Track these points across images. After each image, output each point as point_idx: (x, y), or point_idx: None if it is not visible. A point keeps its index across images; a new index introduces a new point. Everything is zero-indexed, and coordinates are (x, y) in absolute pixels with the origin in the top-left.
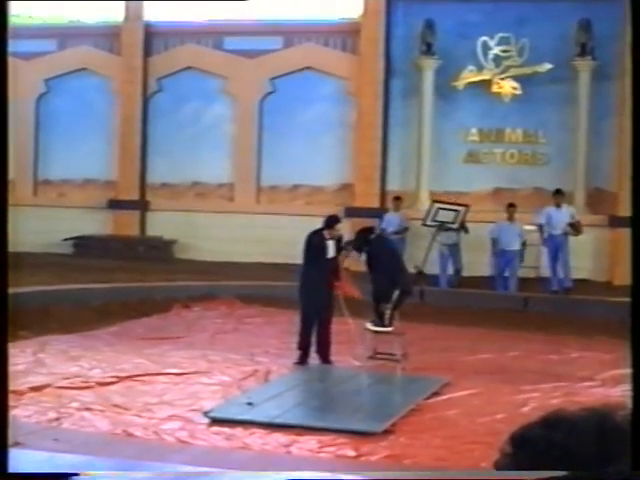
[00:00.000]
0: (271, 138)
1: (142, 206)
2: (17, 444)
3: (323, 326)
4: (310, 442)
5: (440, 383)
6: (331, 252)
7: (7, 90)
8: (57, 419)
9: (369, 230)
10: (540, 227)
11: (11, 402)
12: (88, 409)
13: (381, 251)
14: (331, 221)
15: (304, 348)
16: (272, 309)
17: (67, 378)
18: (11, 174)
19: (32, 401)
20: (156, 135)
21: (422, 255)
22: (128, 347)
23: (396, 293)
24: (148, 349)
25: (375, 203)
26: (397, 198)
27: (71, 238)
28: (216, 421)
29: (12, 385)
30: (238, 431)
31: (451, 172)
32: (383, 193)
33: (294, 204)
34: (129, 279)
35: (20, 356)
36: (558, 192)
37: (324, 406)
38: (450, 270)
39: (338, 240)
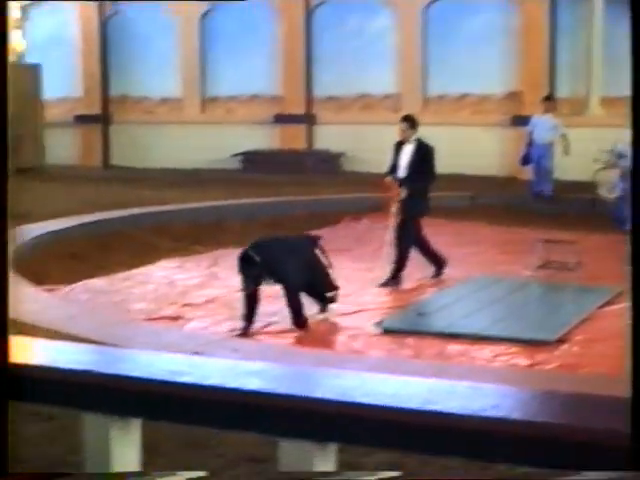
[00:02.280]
0: (436, 47)
1: (309, 120)
2: (197, 353)
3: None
4: (483, 351)
5: (614, 292)
6: (403, 160)
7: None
8: (232, 330)
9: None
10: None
11: (188, 314)
12: (261, 321)
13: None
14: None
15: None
16: (439, 220)
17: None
18: (179, 92)
19: (209, 313)
20: (321, 48)
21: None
22: None
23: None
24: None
25: None
26: (548, 98)
27: (239, 154)
28: (388, 332)
29: (187, 298)
30: (410, 341)
31: (622, 77)
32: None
33: (461, 114)
34: (298, 193)
35: (195, 270)
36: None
37: (496, 315)
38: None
39: (419, 148)
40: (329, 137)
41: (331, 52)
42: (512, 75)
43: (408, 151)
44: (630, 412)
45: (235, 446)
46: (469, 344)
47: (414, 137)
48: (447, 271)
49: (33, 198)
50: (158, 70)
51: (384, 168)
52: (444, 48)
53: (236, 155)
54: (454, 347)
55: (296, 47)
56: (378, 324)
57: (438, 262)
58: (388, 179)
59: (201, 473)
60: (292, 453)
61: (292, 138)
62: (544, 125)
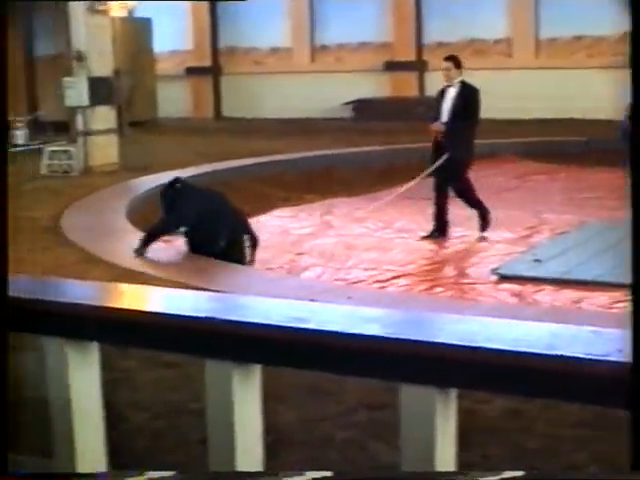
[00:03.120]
0: None
1: (419, 66)
2: (312, 300)
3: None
4: (601, 298)
5: None
6: (446, 105)
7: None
8: (346, 279)
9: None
10: None
11: (302, 263)
12: (375, 269)
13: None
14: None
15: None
16: (554, 165)
17: (355, 240)
18: (288, 42)
19: (322, 262)
20: None
21: None
22: (412, 208)
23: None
24: (432, 209)
25: None
26: None
27: (350, 102)
28: (504, 278)
29: (301, 247)
30: (527, 288)
31: None
32: None
33: (575, 57)
34: (409, 140)
35: (308, 219)
36: None
37: (614, 262)
38: None
39: (463, 90)
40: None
41: None
42: (627, 15)
43: (451, 94)
44: None
45: (354, 393)
46: (586, 290)
47: (458, 79)
48: (564, 217)
49: (148, 151)
50: (267, 20)
51: (497, 113)
52: None
53: (347, 103)
54: (571, 293)
55: None
56: (495, 270)
57: (483, 214)
58: (435, 124)
59: (327, 473)
60: (413, 399)
61: (403, 85)
62: None
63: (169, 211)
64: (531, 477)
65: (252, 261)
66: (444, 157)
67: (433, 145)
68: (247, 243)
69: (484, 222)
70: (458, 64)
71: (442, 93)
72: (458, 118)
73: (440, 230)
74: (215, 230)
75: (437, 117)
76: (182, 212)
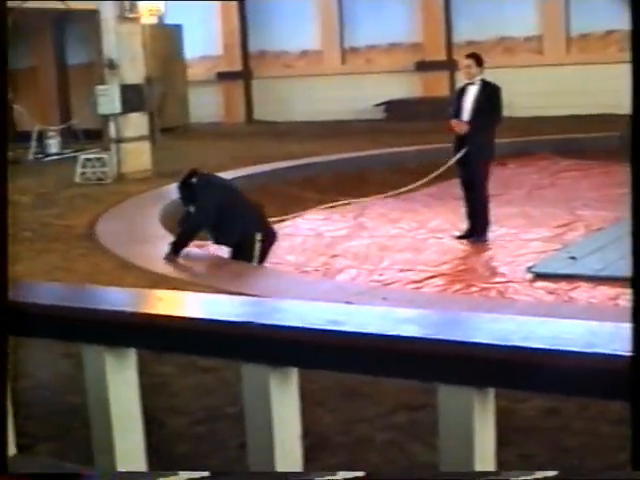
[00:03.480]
0: None
1: (450, 66)
2: (348, 302)
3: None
4: None
5: None
6: (467, 102)
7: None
8: (381, 280)
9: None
10: None
11: (337, 266)
12: (410, 270)
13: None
14: (469, 55)
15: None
16: (588, 162)
17: (389, 240)
18: (318, 45)
19: (357, 264)
20: None
21: None
22: (446, 208)
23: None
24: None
25: None
26: None
27: (382, 103)
28: (539, 276)
29: (334, 250)
30: (562, 285)
31: None
32: None
33: (607, 52)
34: (442, 140)
35: (341, 221)
36: None
37: None
38: None
39: (484, 88)
40: None
41: None
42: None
43: (472, 92)
44: None
45: (391, 394)
46: (622, 287)
47: (479, 77)
48: (598, 213)
49: (180, 157)
50: (296, 23)
51: (529, 111)
52: None
53: (378, 105)
54: (607, 290)
55: None
56: (530, 268)
57: (478, 223)
58: (454, 121)
59: (359, 473)
60: (451, 399)
61: (434, 85)
62: None
63: (190, 211)
64: (564, 477)
65: (262, 260)
66: (463, 151)
67: (455, 143)
68: (259, 239)
69: (474, 230)
70: (479, 62)
71: (462, 91)
72: (480, 116)
73: (474, 229)
74: (230, 225)
75: (457, 114)
76: (203, 210)
